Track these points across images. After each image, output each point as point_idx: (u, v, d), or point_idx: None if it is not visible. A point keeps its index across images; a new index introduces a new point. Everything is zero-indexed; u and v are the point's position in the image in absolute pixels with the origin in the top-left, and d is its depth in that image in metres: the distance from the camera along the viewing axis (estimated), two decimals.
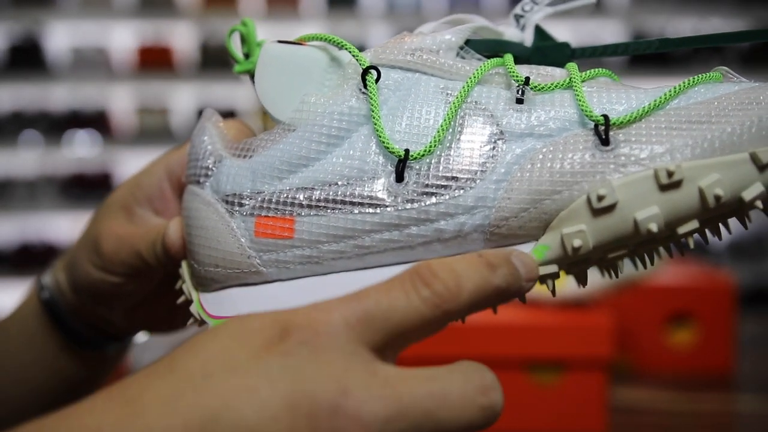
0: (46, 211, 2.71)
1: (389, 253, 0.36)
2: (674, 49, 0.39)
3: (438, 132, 0.35)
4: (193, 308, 0.39)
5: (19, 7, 2.69)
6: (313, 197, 0.36)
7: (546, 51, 0.39)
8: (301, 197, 0.36)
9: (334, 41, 0.37)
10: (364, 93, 0.36)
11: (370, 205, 0.35)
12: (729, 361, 0.86)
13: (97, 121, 2.70)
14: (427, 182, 0.35)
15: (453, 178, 0.35)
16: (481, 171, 0.35)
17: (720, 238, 0.35)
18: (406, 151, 0.35)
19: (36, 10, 2.69)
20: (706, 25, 2.76)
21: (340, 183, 0.36)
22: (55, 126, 2.69)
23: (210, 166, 0.39)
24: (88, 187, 2.67)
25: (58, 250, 2.64)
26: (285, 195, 0.37)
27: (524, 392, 0.70)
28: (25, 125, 2.68)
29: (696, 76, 0.36)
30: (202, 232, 0.38)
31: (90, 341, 0.50)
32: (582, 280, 0.37)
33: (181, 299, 0.41)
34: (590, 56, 0.40)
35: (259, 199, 0.37)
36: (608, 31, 2.77)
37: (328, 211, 0.36)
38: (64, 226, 2.73)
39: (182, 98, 2.79)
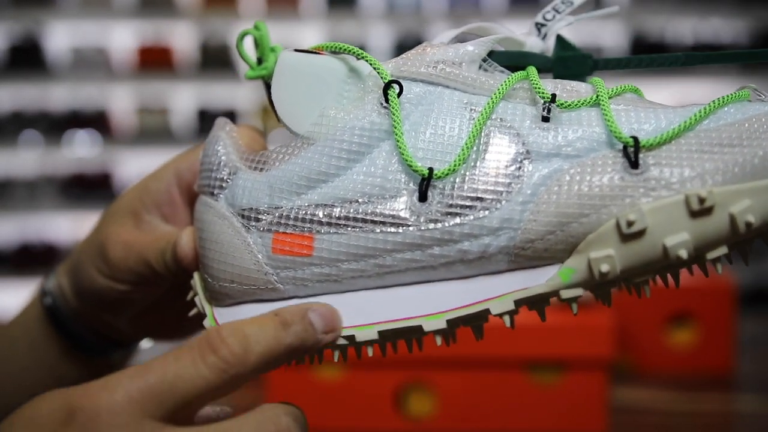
0: (46, 211, 2.71)
1: (410, 272, 0.35)
2: (700, 64, 0.38)
3: (462, 150, 0.34)
4: (207, 323, 0.38)
5: (19, 7, 2.69)
6: (333, 214, 0.35)
7: (568, 62, 0.39)
8: (321, 214, 0.36)
9: (353, 51, 0.37)
10: (385, 107, 0.36)
11: (392, 225, 0.35)
12: (729, 361, 0.86)
13: (97, 121, 2.70)
14: (450, 202, 0.34)
15: (478, 198, 0.34)
16: (507, 191, 0.34)
17: (747, 263, 0.35)
18: (430, 169, 0.34)
19: (36, 10, 2.69)
20: (706, 25, 2.76)
21: (360, 200, 0.35)
22: (55, 126, 2.68)
23: (225, 177, 0.38)
24: (88, 187, 2.67)
25: (58, 250, 2.64)
26: (304, 211, 0.36)
27: (524, 392, 0.70)
28: (25, 125, 2.68)
29: (725, 96, 0.35)
30: (216, 247, 0.38)
31: (94, 347, 0.49)
32: (606, 300, 0.36)
33: (194, 312, 0.40)
34: (613, 68, 0.39)
35: (277, 214, 0.36)
36: (608, 31, 2.77)
37: (349, 229, 0.35)
38: (64, 226, 2.73)
39: (182, 98, 2.79)
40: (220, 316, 0.38)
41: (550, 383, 0.70)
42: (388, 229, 0.35)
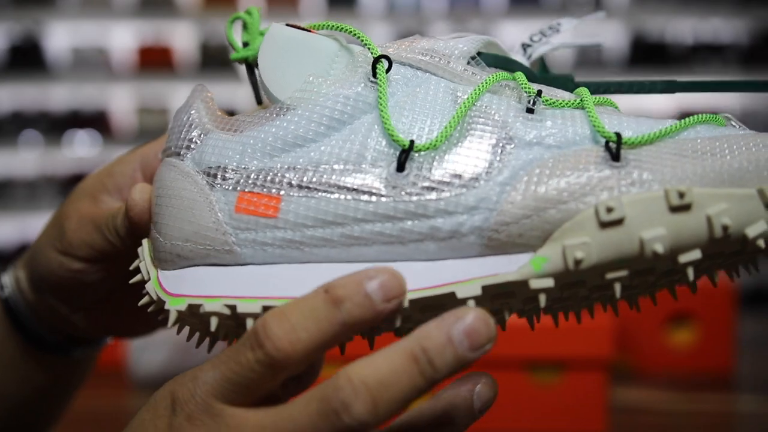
0: (46, 211, 2.68)
1: (378, 246, 0.34)
2: (679, 92, 0.39)
3: (446, 128, 0.34)
4: (150, 286, 0.36)
5: (19, 7, 2.69)
6: (305, 178, 0.34)
7: (551, 81, 0.39)
8: (292, 176, 0.35)
9: (346, 29, 0.37)
10: (372, 82, 0.36)
11: (366, 193, 0.34)
12: (729, 361, 0.86)
13: (97, 121, 2.71)
14: (428, 176, 0.34)
15: (456, 175, 0.34)
16: (486, 172, 0.34)
17: (714, 284, 0.36)
18: (411, 142, 0.34)
19: (36, 10, 2.69)
20: (706, 25, 2.76)
21: (335, 167, 0.34)
22: (55, 126, 2.69)
23: (194, 138, 0.37)
24: None
25: None
26: (274, 173, 0.35)
27: (524, 392, 0.70)
28: (25, 125, 2.68)
29: (703, 115, 0.36)
30: (175, 203, 0.36)
31: (52, 345, 0.49)
32: (569, 310, 0.37)
33: (136, 279, 0.38)
34: (594, 92, 0.39)
35: (245, 174, 0.35)
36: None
37: (319, 193, 0.34)
38: None
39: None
40: (165, 280, 0.36)
41: (550, 383, 0.70)
42: (361, 197, 0.34)
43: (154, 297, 0.36)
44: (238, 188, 0.35)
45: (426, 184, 0.34)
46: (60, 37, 2.76)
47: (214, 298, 0.34)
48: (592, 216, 0.32)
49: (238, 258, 0.35)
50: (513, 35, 2.77)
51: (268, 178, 0.35)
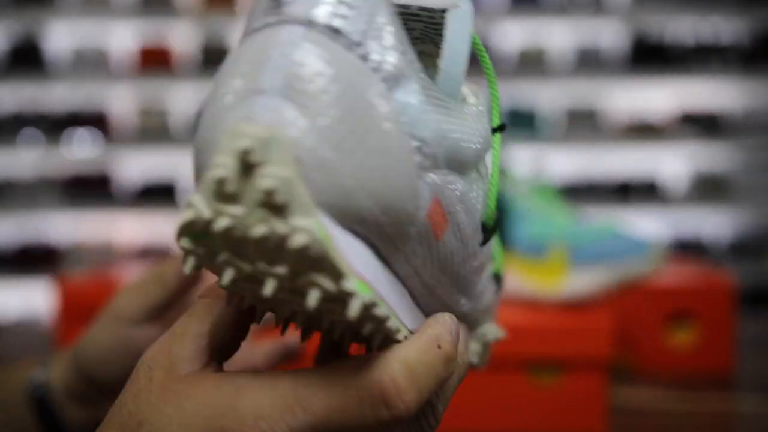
0: (46, 212, 2.71)
1: (427, 298, 0.33)
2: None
3: (489, 207, 0.34)
4: (312, 226, 0.24)
5: (19, 7, 2.69)
6: (458, 212, 0.31)
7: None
8: (453, 204, 0.30)
9: (488, 70, 0.33)
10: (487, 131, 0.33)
11: (465, 251, 0.33)
12: (729, 361, 0.86)
13: (97, 121, 2.70)
14: (480, 257, 0.35)
15: (482, 264, 0.36)
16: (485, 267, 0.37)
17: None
18: (496, 222, 0.34)
19: (36, 10, 2.69)
20: (706, 25, 2.76)
21: (462, 214, 0.31)
22: (55, 126, 2.69)
23: (392, 67, 0.26)
24: (88, 188, 2.67)
25: (58, 251, 2.64)
26: (445, 191, 0.29)
27: (524, 392, 0.70)
28: (25, 125, 2.68)
29: None
30: (384, 155, 0.26)
31: None
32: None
33: (265, 184, 0.24)
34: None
35: (441, 175, 0.29)
36: (608, 31, 2.77)
37: (453, 239, 0.31)
38: (64, 227, 2.73)
39: (182, 98, 2.79)
40: (339, 243, 0.25)
41: (550, 383, 0.70)
42: (463, 258, 0.33)
43: (317, 249, 0.24)
44: (436, 190, 0.28)
45: (476, 264, 0.35)
46: (60, 37, 2.76)
47: (383, 302, 0.28)
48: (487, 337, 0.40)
49: (394, 257, 0.29)
50: (513, 35, 2.77)
51: (445, 191, 0.29)
